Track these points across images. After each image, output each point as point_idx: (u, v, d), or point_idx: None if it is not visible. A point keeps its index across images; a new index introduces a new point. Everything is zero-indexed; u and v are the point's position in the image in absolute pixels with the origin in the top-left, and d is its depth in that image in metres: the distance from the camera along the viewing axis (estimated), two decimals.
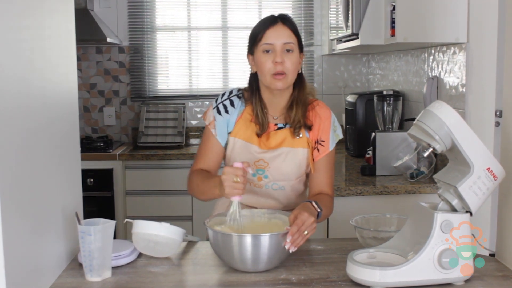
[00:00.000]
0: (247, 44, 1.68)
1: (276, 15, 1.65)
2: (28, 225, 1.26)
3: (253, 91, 1.71)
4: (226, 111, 1.71)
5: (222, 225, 1.51)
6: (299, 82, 1.69)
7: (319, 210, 1.52)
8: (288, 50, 1.60)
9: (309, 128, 1.70)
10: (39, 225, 1.32)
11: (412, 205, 1.45)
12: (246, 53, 1.70)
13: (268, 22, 1.62)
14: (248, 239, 1.38)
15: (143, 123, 3.73)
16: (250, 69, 1.71)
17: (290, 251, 1.40)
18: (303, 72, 1.72)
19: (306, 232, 1.41)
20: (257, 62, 1.64)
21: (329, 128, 1.71)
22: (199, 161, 1.74)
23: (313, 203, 1.52)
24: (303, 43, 1.73)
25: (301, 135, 1.69)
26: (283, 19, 1.62)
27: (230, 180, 1.45)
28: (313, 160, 1.70)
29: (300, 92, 1.69)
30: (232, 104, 1.72)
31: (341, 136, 1.75)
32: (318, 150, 1.70)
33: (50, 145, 1.42)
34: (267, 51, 1.60)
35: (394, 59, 3.30)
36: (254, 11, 3.91)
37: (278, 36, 1.59)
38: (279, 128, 1.71)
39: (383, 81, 3.57)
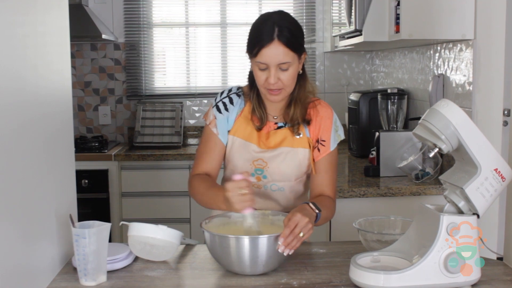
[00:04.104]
0: (246, 43, 1.63)
1: (274, 20, 1.54)
2: (19, 228, 1.24)
3: (252, 87, 1.68)
4: (226, 109, 1.69)
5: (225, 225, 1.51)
6: (300, 80, 1.65)
7: (317, 211, 1.49)
8: (283, 69, 1.55)
9: (307, 123, 1.67)
10: (31, 228, 1.30)
11: (417, 207, 1.43)
12: (246, 51, 1.65)
13: (264, 40, 1.53)
14: (246, 241, 1.37)
15: (140, 123, 3.70)
16: (250, 66, 1.67)
17: (285, 254, 1.38)
18: (305, 70, 1.67)
19: (301, 234, 1.38)
20: (253, 71, 1.61)
21: (331, 128, 1.68)
22: (200, 162, 1.70)
23: (310, 205, 1.50)
24: (305, 39, 1.67)
25: (301, 135, 1.66)
26: (280, 34, 1.52)
27: (236, 196, 1.44)
28: (313, 160, 1.67)
29: (300, 91, 1.66)
30: (231, 101, 1.70)
31: (343, 136, 1.72)
32: (318, 150, 1.68)
33: (43, 145, 1.40)
34: (262, 69, 1.56)
35: (398, 56, 3.27)
36: (254, 7, 3.88)
37: (273, 56, 1.53)
38: (279, 127, 1.68)
39: (387, 79, 3.54)
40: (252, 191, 1.45)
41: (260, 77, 1.57)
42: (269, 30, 1.53)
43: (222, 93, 1.72)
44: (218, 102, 1.70)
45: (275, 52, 1.53)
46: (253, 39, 1.57)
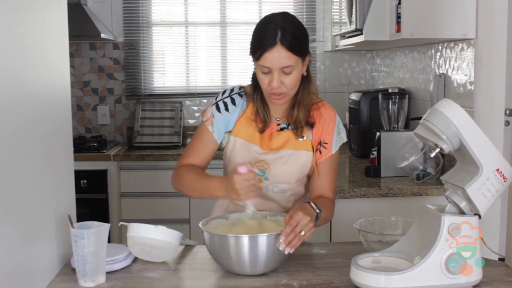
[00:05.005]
0: (250, 44, 1.61)
1: (277, 23, 1.52)
2: (18, 229, 1.23)
3: (255, 88, 1.67)
4: (227, 109, 1.68)
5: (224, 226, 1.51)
6: (304, 83, 1.63)
7: (318, 211, 1.49)
8: (286, 73, 1.54)
9: (311, 125, 1.66)
10: (29, 228, 1.30)
11: (418, 208, 1.43)
12: (249, 53, 1.63)
13: (267, 43, 1.52)
14: (245, 240, 1.36)
15: (139, 122, 3.68)
16: (254, 68, 1.66)
17: (286, 252, 1.37)
18: (310, 71, 1.65)
19: (303, 233, 1.38)
20: (256, 74, 1.60)
21: (333, 130, 1.67)
22: (189, 156, 1.68)
23: (312, 204, 1.49)
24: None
25: (304, 137, 1.65)
26: (283, 38, 1.51)
27: (245, 187, 1.47)
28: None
29: (305, 93, 1.65)
30: (233, 102, 1.68)
31: (345, 139, 1.71)
32: (320, 152, 1.67)
33: (41, 145, 1.40)
34: (265, 72, 1.55)
35: (399, 55, 3.26)
36: (254, 6, 3.82)
37: (275, 60, 1.52)
38: (282, 129, 1.67)
39: (388, 78, 3.53)
40: (255, 182, 1.49)
41: (264, 80, 1.57)
42: (272, 33, 1.52)
43: (224, 92, 1.71)
44: (218, 101, 1.69)
45: (278, 56, 1.51)
46: (256, 42, 1.56)
